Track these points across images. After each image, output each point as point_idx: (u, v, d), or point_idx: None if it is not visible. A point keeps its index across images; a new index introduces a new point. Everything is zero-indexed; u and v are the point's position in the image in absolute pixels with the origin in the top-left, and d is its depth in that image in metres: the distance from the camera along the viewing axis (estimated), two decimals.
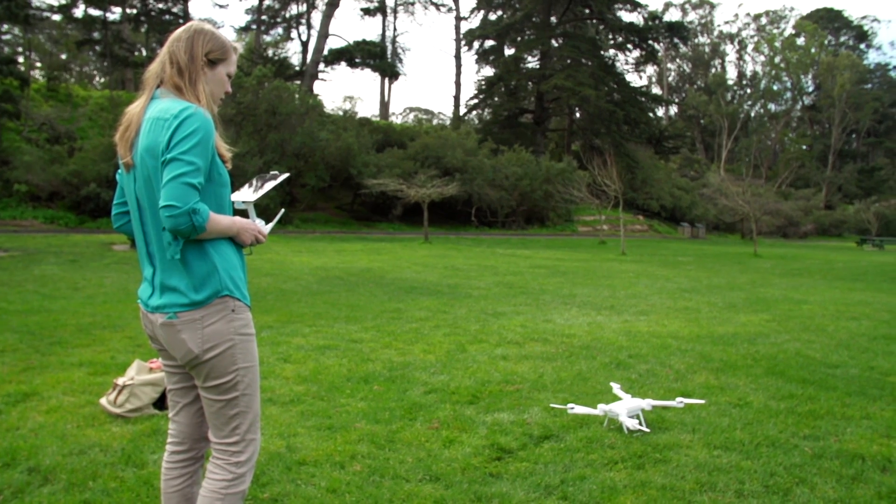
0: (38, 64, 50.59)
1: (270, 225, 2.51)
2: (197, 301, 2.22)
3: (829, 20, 79.18)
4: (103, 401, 4.60)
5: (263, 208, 2.55)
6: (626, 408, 4.18)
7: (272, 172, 2.60)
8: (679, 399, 4.45)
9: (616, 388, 4.83)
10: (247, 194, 2.50)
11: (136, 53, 44.99)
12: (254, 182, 2.57)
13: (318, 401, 4.78)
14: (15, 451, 3.73)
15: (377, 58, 49.76)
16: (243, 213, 2.47)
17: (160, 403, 4.59)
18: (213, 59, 2.33)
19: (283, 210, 2.95)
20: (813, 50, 71.55)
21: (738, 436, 4.15)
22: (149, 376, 4.61)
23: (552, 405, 4.68)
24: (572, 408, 4.39)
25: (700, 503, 3.22)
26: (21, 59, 41.76)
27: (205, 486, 2.33)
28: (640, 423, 4.18)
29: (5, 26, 40.27)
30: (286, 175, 2.60)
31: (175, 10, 48.93)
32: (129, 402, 4.50)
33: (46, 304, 9.07)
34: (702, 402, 4.67)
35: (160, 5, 48.00)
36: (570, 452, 3.83)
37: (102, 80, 59.57)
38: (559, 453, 3.82)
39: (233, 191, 2.44)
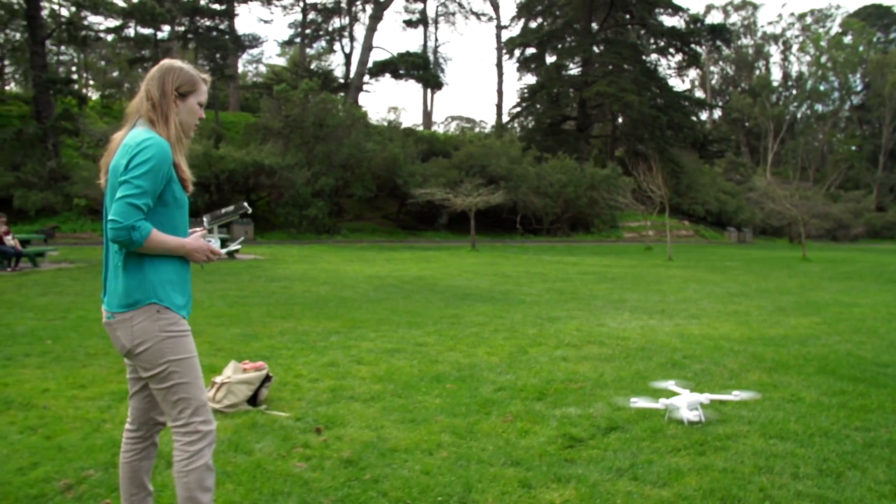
0: (91, 82, 52.36)
1: (228, 249, 2.98)
2: (128, 304, 2.61)
3: (877, 17, 77.67)
4: None
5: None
6: (686, 401, 4.51)
7: (242, 203, 3.06)
8: (735, 392, 4.76)
9: (671, 384, 5.15)
10: (212, 218, 2.96)
11: None
12: (223, 210, 3.03)
13: (397, 398, 5.19)
14: None
15: (421, 69, 50.44)
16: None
17: (253, 400, 5.04)
18: (183, 92, 2.76)
19: (242, 238, 3.38)
20: (861, 48, 70.29)
21: (792, 427, 4.46)
22: (243, 376, 5.06)
23: (616, 400, 5.02)
24: (635, 402, 4.73)
25: (759, 483, 3.56)
26: (76, 78, 43.28)
27: (175, 468, 2.74)
28: (700, 416, 4.50)
29: (62, 48, 41.84)
30: (248, 209, 3.06)
31: (222, 26, 50.25)
32: (226, 398, 4.95)
33: None
34: (758, 395, 4.98)
35: (207, 23, 49.34)
36: (636, 441, 4.19)
37: None
38: (626, 442, 4.18)
39: (196, 214, 2.88)
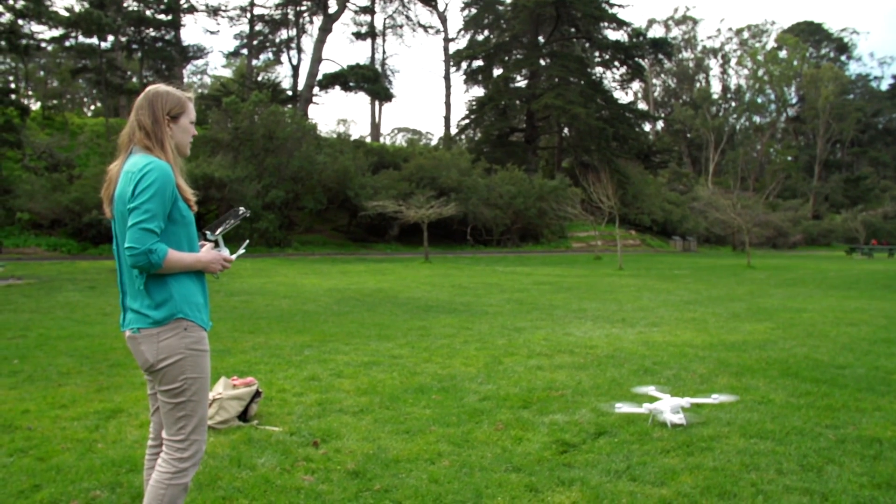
0: (31, 92, 51.03)
1: (237, 254, 3.09)
2: (156, 320, 2.71)
3: (809, 33, 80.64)
4: None
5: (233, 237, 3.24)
6: (669, 405, 4.73)
7: (238, 209, 3.17)
8: (714, 395, 5.01)
9: (652, 389, 5.37)
10: (214, 229, 3.07)
11: (134, 80, 45.57)
12: (224, 217, 3.13)
13: (385, 410, 5.29)
14: (133, 460, 4.18)
15: (371, 81, 50.53)
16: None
17: (243, 416, 5.09)
18: (175, 115, 2.87)
19: (247, 241, 3.53)
20: (795, 62, 72.84)
21: (768, 427, 4.73)
22: (234, 391, 5.11)
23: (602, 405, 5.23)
24: (620, 407, 4.94)
25: (749, 479, 3.80)
26: (15, 88, 42.13)
27: (153, 477, 2.84)
28: (683, 419, 4.72)
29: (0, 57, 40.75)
30: (248, 212, 3.19)
31: (168, 37, 49.62)
32: (218, 414, 4.98)
33: (85, 330, 9.48)
34: (736, 398, 5.24)
35: (153, 33, 48.67)
36: (626, 444, 4.39)
37: (94, 107, 60.03)
38: (617, 446, 4.37)
39: (202, 227, 3.00)
